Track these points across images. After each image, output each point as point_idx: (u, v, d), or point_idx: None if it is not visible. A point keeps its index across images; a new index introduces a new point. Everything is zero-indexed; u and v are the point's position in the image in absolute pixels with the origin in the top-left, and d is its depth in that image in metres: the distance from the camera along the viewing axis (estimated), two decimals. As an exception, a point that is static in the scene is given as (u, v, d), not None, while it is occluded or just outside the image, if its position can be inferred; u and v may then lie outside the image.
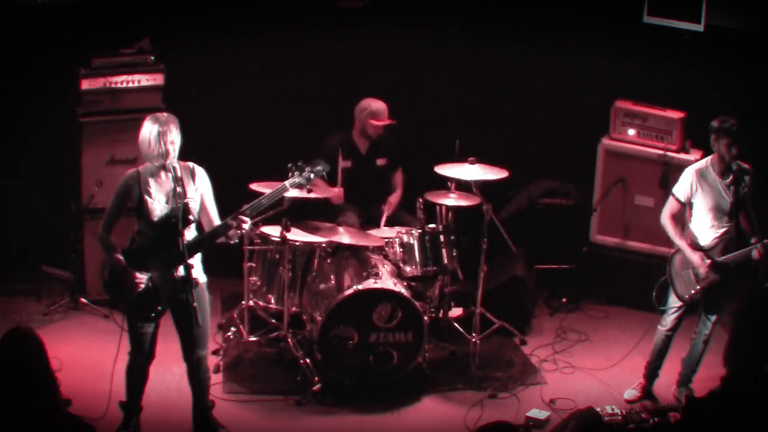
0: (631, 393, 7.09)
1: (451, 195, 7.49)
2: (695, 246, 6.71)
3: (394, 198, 8.05)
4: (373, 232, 7.62)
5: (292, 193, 6.59)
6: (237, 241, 6.08)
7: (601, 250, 8.57)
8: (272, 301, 7.56)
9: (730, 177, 6.62)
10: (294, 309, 7.41)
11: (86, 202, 7.88)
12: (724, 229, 6.67)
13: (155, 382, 6.51)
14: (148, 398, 6.41)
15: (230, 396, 6.94)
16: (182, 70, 8.28)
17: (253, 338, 7.55)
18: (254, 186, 7.15)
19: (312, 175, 6.27)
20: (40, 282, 8.23)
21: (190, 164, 6.05)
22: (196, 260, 6.01)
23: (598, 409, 5.68)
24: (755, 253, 6.51)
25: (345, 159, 7.84)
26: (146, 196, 5.90)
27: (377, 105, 7.82)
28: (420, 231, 7.33)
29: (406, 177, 8.17)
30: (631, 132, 8.38)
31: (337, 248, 7.37)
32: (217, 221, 6.06)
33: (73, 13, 7.99)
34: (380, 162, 8.02)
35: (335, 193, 7.68)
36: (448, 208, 7.52)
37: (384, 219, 7.87)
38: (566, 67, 8.70)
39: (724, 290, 6.72)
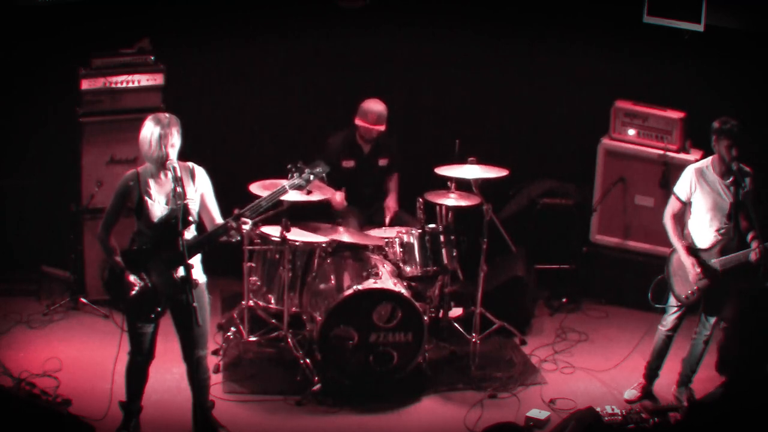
0: (631, 393, 7.10)
1: (451, 195, 7.49)
2: (691, 250, 6.72)
3: (391, 202, 8.04)
4: (374, 232, 7.62)
5: (293, 196, 6.58)
6: (238, 239, 6.08)
7: (601, 250, 8.57)
8: (272, 301, 7.56)
9: (731, 178, 6.62)
10: (294, 309, 7.41)
11: (86, 202, 7.88)
12: (722, 230, 6.67)
13: (155, 382, 6.50)
14: (148, 398, 6.41)
15: (230, 396, 6.94)
16: (182, 70, 8.28)
17: (253, 338, 7.55)
18: (254, 186, 7.15)
19: (311, 177, 6.27)
20: (40, 282, 8.23)
21: (190, 164, 6.04)
22: (196, 261, 6.01)
23: (598, 409, 5.69)
24: (752, 256, 6.51)
25: (348, 159, 7.85)
26: (146, 197, 5.89)
27: (369, 105, 7.80)
28: (420, 231, 7.34)
29: (406, 177, 8.16)
30: (631, 132, 8.38)
31: (337, 248, 7.37)
32: (219, 220, 6.06)
33: (73, 13, 7.99)
34: (382, 162, 8.02)
35: (337, 200, 7.66)
36: (448, 208, 7.52)
37: (387, 222, 7.87)
38: (566, 67, 8.70)
39: (724, 292, 6.71)
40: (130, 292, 5.87)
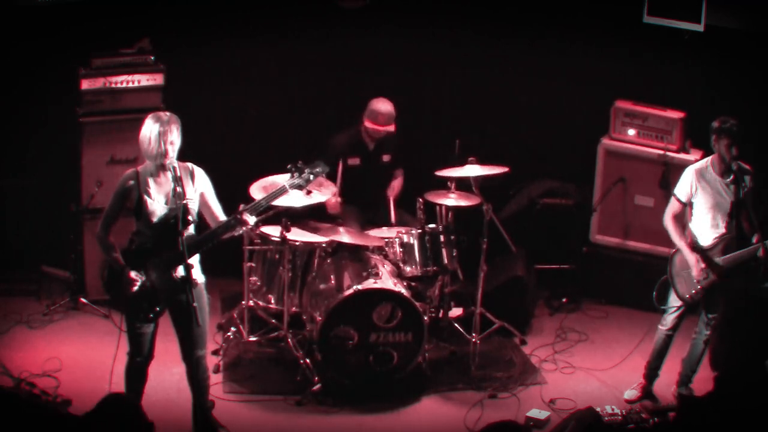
0: (631, 393, 7.10)
1: (451, 195, 7.49)
2: (694, 247, 6.72)
3: (397, 183, 8.01)
4: (374, 232, 7.62)
5: (292, 200, 6.58)
6: (240, 232, 6.08)
7: (601, 250, 8.57)
8: (272, 301, 7.56)
9: (731, 177, 6.62)
10: (294, 309, 7.41)
11: (86, 202, 7.88)
12: (723, 230, 6.68)
13: (155, 382, 6.50)
14: (148, 398, 6.40)
15: (230, 396, 6.94)
16: (182, 70, 8.28)
17: (253, 338, 7.55)
18: (253, 186, 7.15)
19: (311, 177, 6.27)
20: (40, 282, 8.24)
21: (189, 165, 6.04)
22: (195, 260, 6.01)
23: (598, 409, 5.69)
24: (761, 251, 6.49)
25: (353, 156, 7.85)
26: (145, 196, 5.89)
27: (378, 106, 7.77)
28: (420, 231, 7.33)
29: (406, 177, 8.17)
30: (631, 132, 8.38)
31: (337, 248, 7.37)
32: (222, 217, 6.06)
33: (73, 13, 7.99)
34: (386, 158, 8.03)
35: (331, 203, 7.64)
36: (448, 208, 7.53)
37: (392, 207, 7.83)
38: (566, 67, 8.70)
39: (724, 290, 6.72)
40: (129, 289, 5.86)
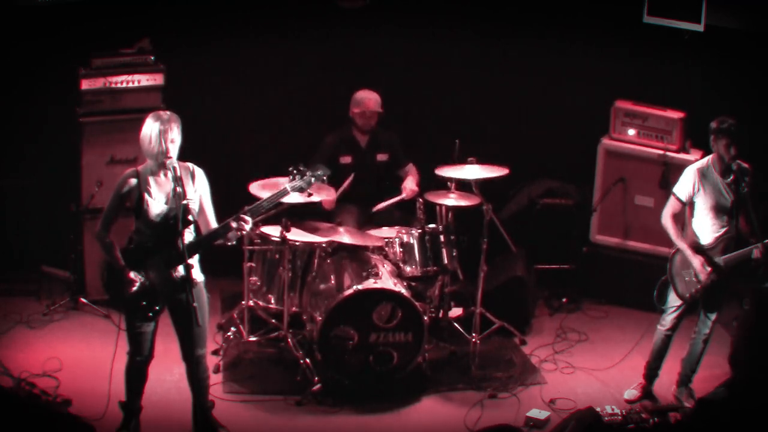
0: (631, 393, 7.10)
1: (451, 195, 7.49)
2: (696, 248, 6.71)
3: (409, 183, 7.92)
4: (374, 232, 7.62)
5: (291, 198, 6.59)
6: (235, 242, 6.07)
7: (601, 250, 8.57)
8: (272, 301, 7.56)
9: (731, 176, 6.63)
10: (294, 309, 7.41)
11: (86, 202, 7.88)
12: (724, 229, 6.68)
13: (155, 382, 6.51)
14: (148, 398, 6.41)
15: (230, 396, 6.94)
16: (182, 70, 8.28)
17: (253, 338, 7.55)
18: (254, 186, 7.15)
19: (313, 179, 6.26)
20: (40, 282, 8.23)
21: (190, 165, 6.04)
22: (194, 260, 6.01)
23: (598, 409, 5.70)
24: (756, 253, 6.52)
25: (345, 155, 7.86)
26: (146, 195, 5.90)
27: (360, 93, 7.84)
28: (420, 231, 7.34)
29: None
30: (631, 132, 8.39)
31: (337, 248, 7.37)
32: (214, 224, 6.05)
33: (73, 13, 7.99)
34: (381, 157, 8.02)
35: (328, 200, 7.63)
36: (448, 208, 7.53)
37: (389, 202, 7.82)
38: (566, 67, 8.71)
39: (724, 290, 6.73)
40: (129, 289, 5.86)
